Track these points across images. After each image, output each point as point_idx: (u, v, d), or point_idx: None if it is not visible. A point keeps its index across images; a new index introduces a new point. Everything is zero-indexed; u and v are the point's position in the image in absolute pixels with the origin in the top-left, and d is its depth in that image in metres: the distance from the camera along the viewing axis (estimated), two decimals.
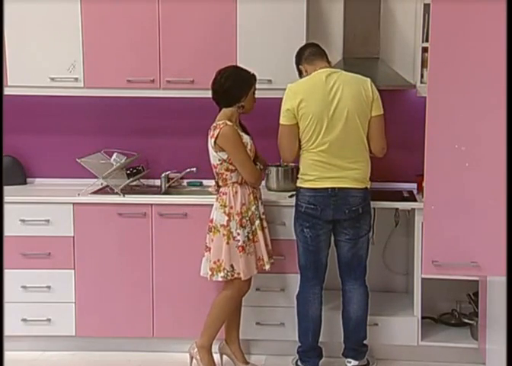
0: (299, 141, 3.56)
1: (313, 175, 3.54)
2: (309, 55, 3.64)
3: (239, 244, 3.56)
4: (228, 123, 3.53)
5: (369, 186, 3.62)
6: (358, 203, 3.56)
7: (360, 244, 3.65)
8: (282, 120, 3.55)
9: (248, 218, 3.60)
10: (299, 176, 3.63)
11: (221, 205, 3.61)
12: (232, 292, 3.68)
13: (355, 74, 3.58)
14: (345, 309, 3.73)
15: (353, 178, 3.54)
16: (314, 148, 3.52)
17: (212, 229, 3.62)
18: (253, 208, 3.62)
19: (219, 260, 3.59)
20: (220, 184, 3.65)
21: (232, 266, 3.58)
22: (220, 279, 3.61)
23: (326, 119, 3.48)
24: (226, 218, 3.58)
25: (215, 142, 3.52)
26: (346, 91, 3.50)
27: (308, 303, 3.68)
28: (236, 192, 3.60)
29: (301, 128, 3.53)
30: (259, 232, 3.63)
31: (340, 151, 3.51)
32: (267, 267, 3.66)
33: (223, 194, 3.62)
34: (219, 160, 3.58)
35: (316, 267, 3.66)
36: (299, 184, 3.63)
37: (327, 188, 3.52)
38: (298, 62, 3.69)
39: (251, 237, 3.60)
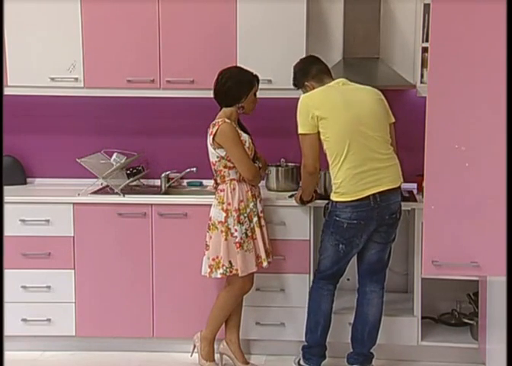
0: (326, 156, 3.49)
1: (350, 187, 3.42)
2: (318, 72, 3.57)
3: (236, 240, 3.56)
4: (227, 120, 3.54)
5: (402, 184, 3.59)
6: (397, 210, 3.53)
7: (388, 249, 3.63)
8: (302, 130, 3.46)
9: (245, 215, 3.60)
10: (334, 190, 3.48)
11: (219, 202, 3.61)
12: (234, 290, 3.70)
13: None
14: (363, 311, 3.66)
15: (389, 179, 3.47)
16: (342, 160, 3.42)
17: (211, 227, 3.63)
18: (251, 205, 3.62)
19: (217, 257, 3.59)
20: (218, 181, 3.65)
21: (230, 262, 3.58)
22: (219, 276, 3.61)
23: (350, 122, 3.42)
24: (224, 215, 3.58)
25: (213, 139, 3.53)
26: (365, 95, 3.50)
27: (322, 297, 3.65)
28: (234, 189, 3.60)
29: (325, 139, 3.45)
30: (257, 230, 3.63)
31: (370, 152, 3.42)
32: (265, 264, 3.66)
33: (221, 190, 3.62)
34: (217, 157, 3.58)
35: (337, 272, 3.64)
36: (335, 199, 3.48)
37: (368, 197, 3.41)
38: (303, 79, 3.58)
39: (249, 234, 3.60)
